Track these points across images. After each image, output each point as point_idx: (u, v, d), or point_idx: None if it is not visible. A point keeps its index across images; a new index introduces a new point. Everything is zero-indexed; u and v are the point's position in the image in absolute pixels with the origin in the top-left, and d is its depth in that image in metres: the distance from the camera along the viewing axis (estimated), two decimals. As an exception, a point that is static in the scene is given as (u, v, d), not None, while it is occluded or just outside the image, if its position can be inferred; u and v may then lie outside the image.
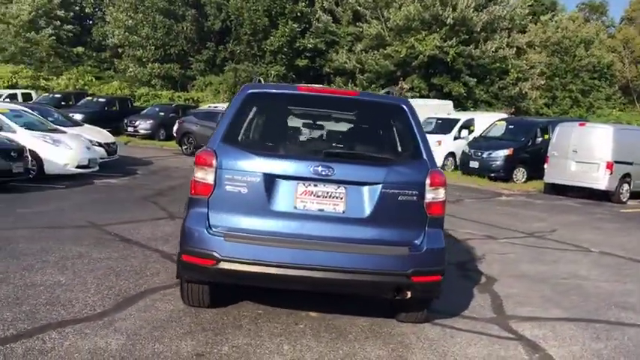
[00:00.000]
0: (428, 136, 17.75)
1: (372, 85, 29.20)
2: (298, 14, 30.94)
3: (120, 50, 36.54)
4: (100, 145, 15.05)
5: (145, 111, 26.21)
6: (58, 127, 13.88)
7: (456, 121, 19.45)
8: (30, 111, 14.19)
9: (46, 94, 28.09)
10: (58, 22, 39.99)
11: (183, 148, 20.48)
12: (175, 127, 21.32)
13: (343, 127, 4.86)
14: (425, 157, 4.27)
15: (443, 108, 21.86)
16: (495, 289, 6.24)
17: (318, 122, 4.74)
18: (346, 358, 4.00)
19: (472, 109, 27.88)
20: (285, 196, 4.05)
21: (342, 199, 4.08)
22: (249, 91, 4.43)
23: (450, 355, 4.25)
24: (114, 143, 15.80)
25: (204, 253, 3.95)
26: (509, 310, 5.52)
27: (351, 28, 31.00)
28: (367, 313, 4.91)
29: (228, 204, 4.04)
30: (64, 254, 6.19)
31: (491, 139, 17.69)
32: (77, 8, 42.10)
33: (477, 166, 17.06)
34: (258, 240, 3.95)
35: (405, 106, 4.49)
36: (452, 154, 18.79)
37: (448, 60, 27.37)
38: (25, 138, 12.14)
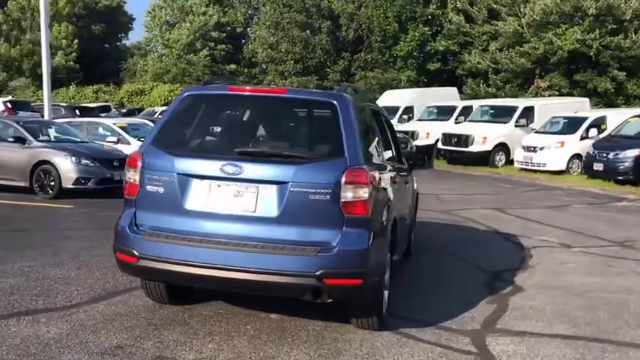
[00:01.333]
0: (550, 136, 16.61)
1: (508, 85, 27.70)
2: (429, 17, 30.40)
3: (264, 66, 38.81)
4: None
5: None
6: None
7: (584, 119, 17.74)
8: (151, 124, 15.69)
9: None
10: (213, 43, 43.53)
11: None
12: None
13: (268, 125, 4.78)
14: (346, 154, 4.05)
15: (575, 106, 20.03)
16: (511, 300, 5.67)
17: (244, 121, 4.70)
18: (259, 360, 3.95)
19: (624, 105, 25.22)
20: (198, 196, 4.12)
21: (252, 198, 4.05)
22: (186, 93, 4.58)
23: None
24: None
25: (127, 251, 4.17)
26: (504, 323, 5.00)
27: (486, 27, 29.67)
28: (333, 317, 4.74)
29: (150, 203, 4.22)
30: (100, 252, 6.78)
31: (621, 138, 15.86)
32: (229, 29, 45.47)
33: (601, 169, 15.41)
34: (172, 239, 4.07)
35: (335, 102, 4.30)
36: (578, 156, 17.17)
37: (592, 54, 25.06)
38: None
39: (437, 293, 5.84)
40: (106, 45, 51.92)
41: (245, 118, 4.55)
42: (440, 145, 20.08)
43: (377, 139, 5.03)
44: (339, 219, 3.96)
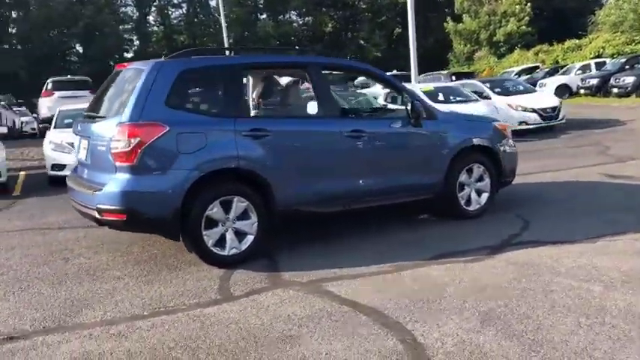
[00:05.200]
0: None
1: None
2: None
3: None
4: (533, 111, 15.50)
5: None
6: (471, 98, 15.41)
7: None
8: (456, 87, 16.30)
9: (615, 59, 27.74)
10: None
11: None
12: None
13: (112, 93, 5.56)
14: (124, 112, 4.91)
15: None
16: (412, 272, 4.94)
17: (106, 90, 5.69)
18: (95, 289, 5.20)
19: None
20: (78, 148, 5.76)
21: (86, 149, 5.43)
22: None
23: (150, 290, 4.78)
24: (554, 108, 15.69)
25: None
26: (332, 285, 4.67)
27: None
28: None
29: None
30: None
31: None
32: None
33: None
34: (69, 180, 5.85)
35: (145, 68, 5.07)
36: None
37: None
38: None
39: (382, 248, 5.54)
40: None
41: (110, 87, 5.73)
42: None
43: (223, 97, 5.49)
44: (113, 166, 4.93)
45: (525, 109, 15.48)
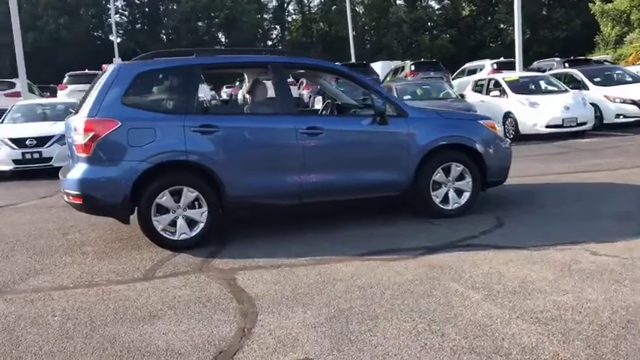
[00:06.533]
0: None
1: None
2: None
3: None
4: (633, 102, 14.22)
5: None
6: (561, 88, 14.38)
7: None
8: (545, 76, 15.28)
9: None
10: None
11: None
12: None
13: (90, 91, 6.01)
14: (86, 108, 5.57)
15: None
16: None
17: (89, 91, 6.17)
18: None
19: None
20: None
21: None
22: None
23: (96, 265, 5.47)
24: (658, 100, 14.22)
25: None
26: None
27: None
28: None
29: None
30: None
31: None
32: None
33: None
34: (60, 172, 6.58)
35: (113, 68, 5.66)
36: None
37: None
38: (511, 102, 13.94)
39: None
40: None
41: (92, 86, 6.33)
42: None
43: (176, 96, 6.01)
44: (77, 156, 5.63)
45: (624, 101, 14.21)
